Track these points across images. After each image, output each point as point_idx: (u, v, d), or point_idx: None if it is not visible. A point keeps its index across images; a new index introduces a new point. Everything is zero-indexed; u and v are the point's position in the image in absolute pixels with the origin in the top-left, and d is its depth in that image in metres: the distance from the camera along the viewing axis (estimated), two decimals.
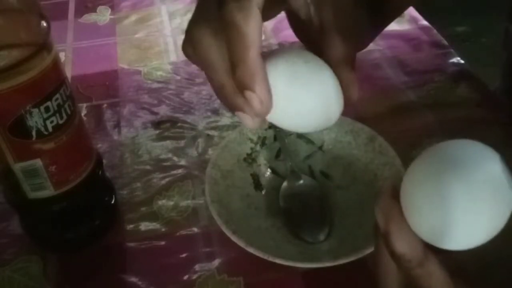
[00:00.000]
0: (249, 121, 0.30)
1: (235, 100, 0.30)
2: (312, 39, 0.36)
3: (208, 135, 0.55)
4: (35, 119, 0.36)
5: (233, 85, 0.30)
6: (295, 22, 0.38)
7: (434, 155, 0.26)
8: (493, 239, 0.25)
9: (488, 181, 0.24)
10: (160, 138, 0.55)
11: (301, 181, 0.48)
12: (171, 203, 0.49)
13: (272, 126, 0.49)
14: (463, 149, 0.25)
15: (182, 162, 0.53)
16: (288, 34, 0.67)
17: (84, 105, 0.59)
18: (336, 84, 0.32)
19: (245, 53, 0.28)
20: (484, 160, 0.24)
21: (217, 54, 0.30)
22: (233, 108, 0.30)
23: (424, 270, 0.26)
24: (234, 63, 0.29)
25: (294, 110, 0.31)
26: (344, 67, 0.32)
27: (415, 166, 0.26)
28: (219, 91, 0.31)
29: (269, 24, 0.71)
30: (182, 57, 0.66)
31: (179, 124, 0.57)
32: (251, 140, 0.49)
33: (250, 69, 0.28)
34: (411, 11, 0.72)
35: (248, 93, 0.29)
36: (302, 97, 0.30)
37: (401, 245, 0.25)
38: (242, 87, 0.29)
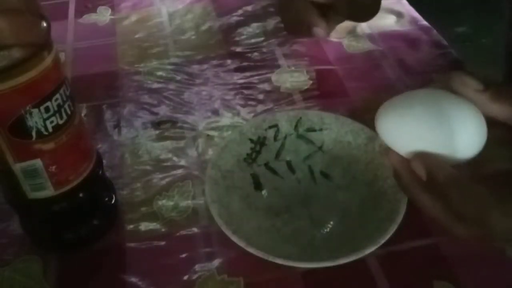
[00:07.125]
0: None
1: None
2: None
3: (208, 135, 0.55)
4: (35, 119, 0.36)
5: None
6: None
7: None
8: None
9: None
10: (160, 138, 0.55)
11: (301, 181, 0.48)
12: (171, 203, 0.49)
13: (272, 126, 0.49)
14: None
15: (182, 162, 0.52)
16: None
17: (84, 105, 0.59)
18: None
19: None
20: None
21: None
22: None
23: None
24: None
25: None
26: None
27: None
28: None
29: (269, 24, 0.71)
30: (182, 57, 0.67)
31: (179, 124, 0.57)
32: (251, 140, 0.49)
33: None
34: (411, 11, 0.72)
35: None
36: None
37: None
38: None
